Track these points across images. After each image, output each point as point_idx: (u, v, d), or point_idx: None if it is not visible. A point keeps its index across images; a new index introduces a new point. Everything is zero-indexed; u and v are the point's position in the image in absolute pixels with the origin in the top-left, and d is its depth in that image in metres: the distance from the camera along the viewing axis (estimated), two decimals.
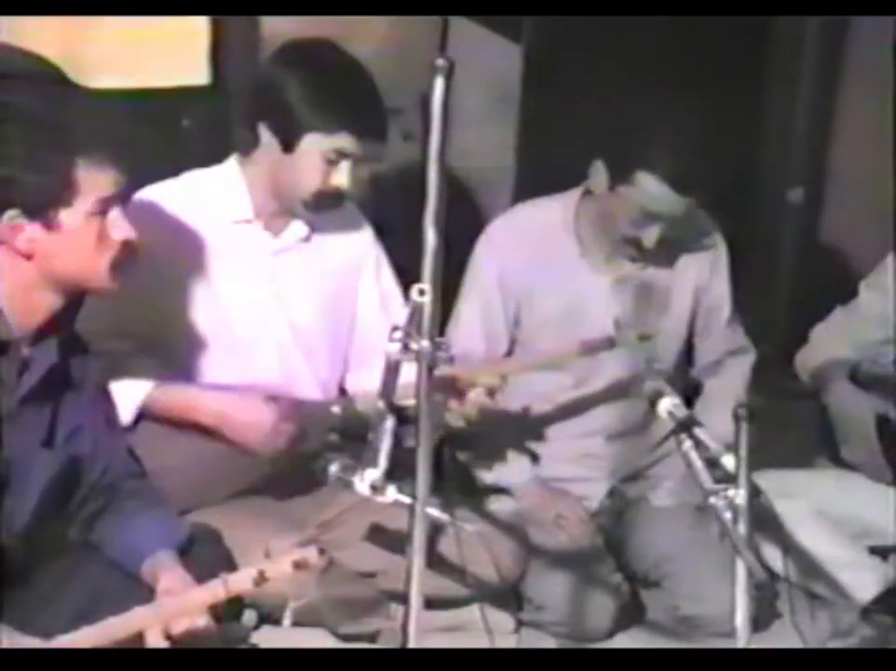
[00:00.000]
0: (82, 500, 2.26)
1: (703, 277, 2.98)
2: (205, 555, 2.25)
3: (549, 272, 2.88)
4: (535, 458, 2.96)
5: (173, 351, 2.63)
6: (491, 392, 2.62)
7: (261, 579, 1.98)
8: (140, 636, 2.01)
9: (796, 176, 4.06)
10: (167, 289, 2.59)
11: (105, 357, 2.49)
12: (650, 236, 2.77)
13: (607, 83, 3.31)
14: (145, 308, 2.56)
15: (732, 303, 3.04)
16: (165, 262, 2.56)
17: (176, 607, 2.05)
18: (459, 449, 2.87)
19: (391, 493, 2.02)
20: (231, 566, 2.34)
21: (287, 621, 2.42)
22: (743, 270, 3.03)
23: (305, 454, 2.49)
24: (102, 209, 2.06)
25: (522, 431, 2.96)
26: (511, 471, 2.94)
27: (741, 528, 1.98)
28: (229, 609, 2.32)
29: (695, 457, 2.09)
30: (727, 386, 3.00)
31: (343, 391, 2.84)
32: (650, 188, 2.69)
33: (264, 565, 2.03)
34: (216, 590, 2.02)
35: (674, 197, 2.70)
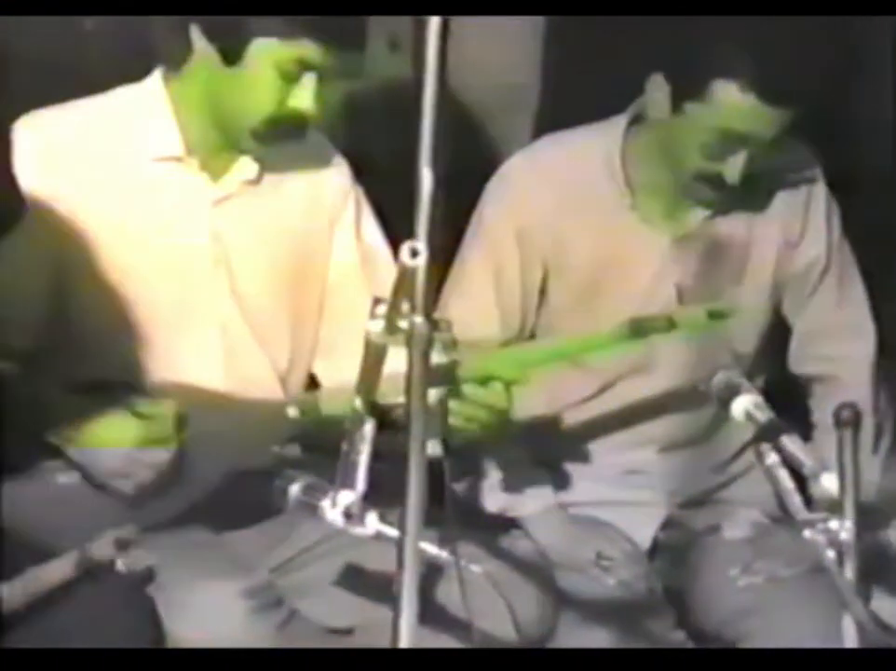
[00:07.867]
0: None
1: (794, 230, 2.85)
2: None
3: (585, 228, 2.76)
4: (558, 479, 2.88)
5: (80, 334, 2.54)
6: (508, 389, 2.57)
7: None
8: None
9: None
10: (70, 250, 2.49)
11: None
12: (734, 167, 2.62)
13: None
14: (43, 275, 2.51)
15: (842, 264, 2.94)
16: (67, 216, 2.46)
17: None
18: (461, 467, 2.77)
19: (372, 523, 1.99)
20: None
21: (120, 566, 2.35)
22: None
23: (255, 471, 2.42)
24: None
25: (544, 442, 2.88)
26: (526, 497, 2.86)
27: (849, 572, 1.91)
28: None
29: (783, 475, 2.03)
30: (839, 382, 2.93)
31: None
32: (732, 101, 2.59)
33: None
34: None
35: (764, 109, 2.58)
